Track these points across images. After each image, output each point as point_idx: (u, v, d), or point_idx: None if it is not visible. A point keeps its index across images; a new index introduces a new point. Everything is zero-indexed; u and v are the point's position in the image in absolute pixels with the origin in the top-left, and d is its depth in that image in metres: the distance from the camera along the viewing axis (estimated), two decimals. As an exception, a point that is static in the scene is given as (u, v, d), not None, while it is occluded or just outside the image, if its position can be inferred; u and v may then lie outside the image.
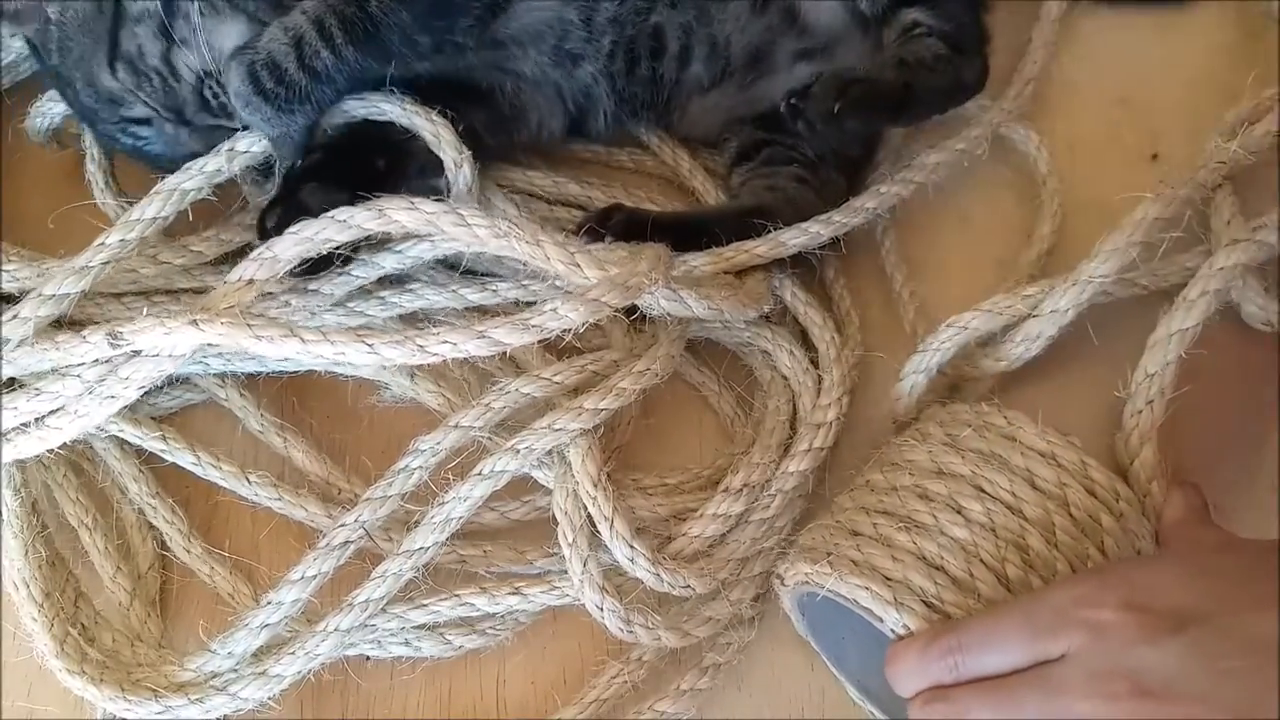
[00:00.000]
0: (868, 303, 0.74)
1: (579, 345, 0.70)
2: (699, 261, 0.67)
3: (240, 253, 0.64)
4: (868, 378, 0.70)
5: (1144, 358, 0.58)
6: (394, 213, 0.61)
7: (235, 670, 0.60)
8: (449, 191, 0.68)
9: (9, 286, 0.67)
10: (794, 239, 0.68)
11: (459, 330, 0.59)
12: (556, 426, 0.60)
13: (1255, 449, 0.68)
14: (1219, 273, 0.59)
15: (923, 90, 0.70)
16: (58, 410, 0.61)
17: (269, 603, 0.60)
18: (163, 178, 0.65)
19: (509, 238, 0.62)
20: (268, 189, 0.68)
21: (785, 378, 0.69)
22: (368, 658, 0.63)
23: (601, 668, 0.63)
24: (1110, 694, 0.46)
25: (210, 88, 0.65)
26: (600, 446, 0.62)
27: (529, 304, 0.70)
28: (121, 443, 0.67)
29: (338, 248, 0.62)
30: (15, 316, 0.61)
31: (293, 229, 0.61)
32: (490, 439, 0.63)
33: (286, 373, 0.68)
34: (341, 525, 0.61)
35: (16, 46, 0.77)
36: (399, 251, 0.66)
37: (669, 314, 0.65)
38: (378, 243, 0.66)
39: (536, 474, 0.62)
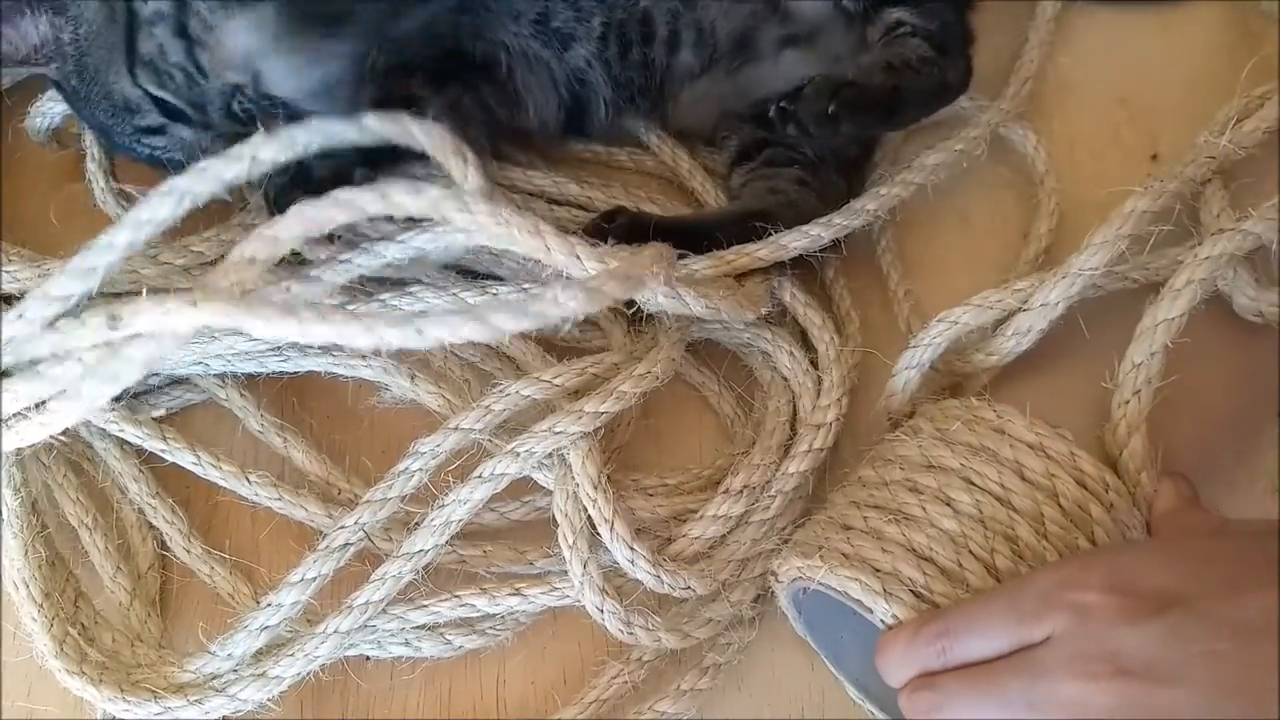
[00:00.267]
0: (867, 303, 0.74)
1: (579, 347, 0.70)
2: (700, 265, 0.67)
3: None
4: (868, 378, 0.70)
5: (1130, 348, 0.58)
6: (397, 195, 0.61)
7: (235, 671, 0.60)
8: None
9: (9, 287, 0.67)
10: (795, 242, 0.68)
11: (458, 315, 0.59)
12: (556, 429, 0.60)
13: (1253, 446, 0.68)
14: (1205, 262, 0.59)
15: (910, 93, 0.70)
16: (59, 395, 0.61)
17: (268, 605, 0.60)
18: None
19: (510, 226, 0.61)
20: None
21: (785, 378, 0.69)
22: (368, 658, 0.63)
23: (601, 668, 0.63)
24: (1091, 674, 0.46)
25: (239, 100, 0.65)
26: (600, 448, 0.62)
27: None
28: (121, 443, 0.67)
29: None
30: (20, 317, 0.60)
31: (295, 208, 0.61)
32: (490, 441, 0.63)
33: (287, 373, 0.68)
34: (341, 527, 0.61)
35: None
36: (401, 241, 0.65)
37: (667, 311, 0.65)
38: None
39: (537, 475, 0.62)
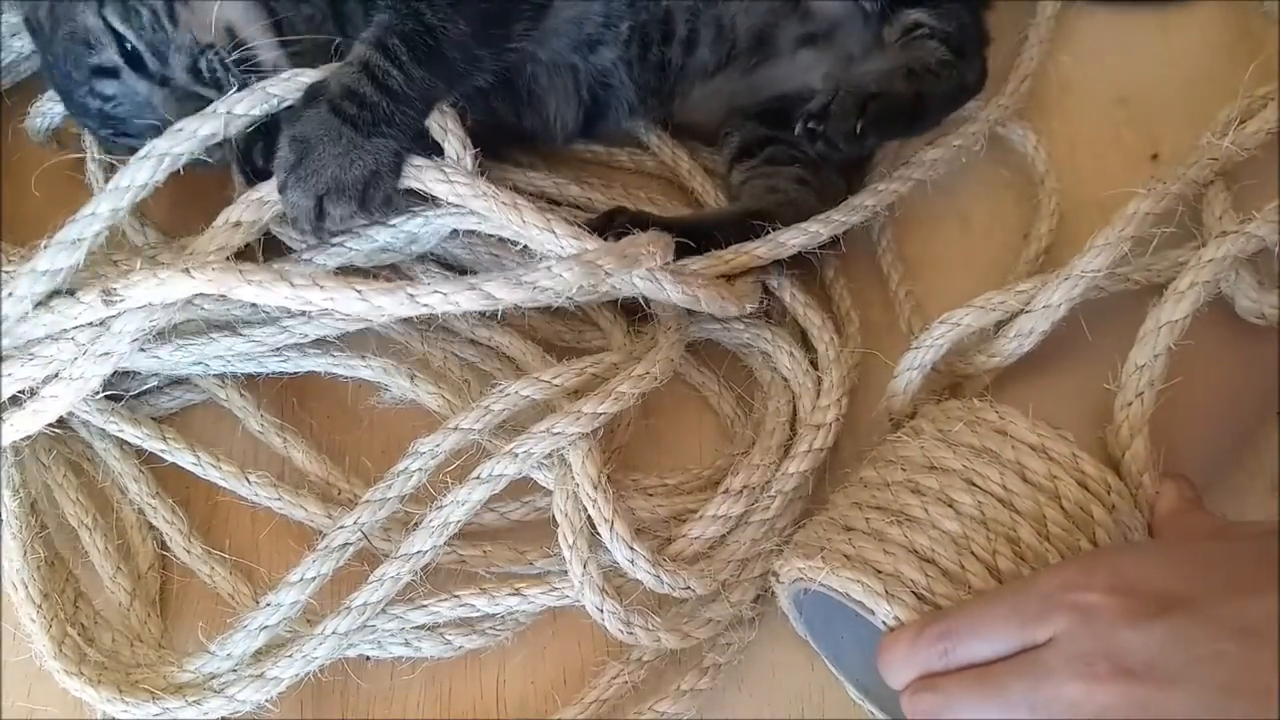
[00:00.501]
0: (867, 303, 0.74)
1: (579, 347, 0.70)
2: (699, 264, 0.67)
3: (240, 255, 0.64)
4: (868, 378, 0.70)
5: (1133, 350, 0.58)
6: None
7: (234, 672, 0.60)
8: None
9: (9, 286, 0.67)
10: (793, 239, 0.68)
11: (450, 281, 0.60)
12: (555, 430, 0.60)
13: (1253, 446, 0.68)
14: (1208, 264, 0.59)
15: (931, 98, 0.70)
16: (53, 378, 0.61)
17: (268, 604, 0.60)
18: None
19: (488, 199, 0.62)
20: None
21: (785, 379, 0.69)
22: (367, 658, 0.63)
23: (601, 668, 0.63)
24: (1094, 675, 0.46)
25: (208, 60, 0.64)
26: (600, 448, 0.62)
27: (529, 309, 0.71)
28: (121, 443, 0.67)
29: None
30: (11, 295, 0.60)
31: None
32: (489, 442, 0.63)
33: (286, 374, 0.68)
34: (341, 527, 0.61)
35: (16, 46, 0.77)
36: (393, 226, 0.65)
37: (643, 296, 0.65)
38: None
39: (536, 475, 0.62)
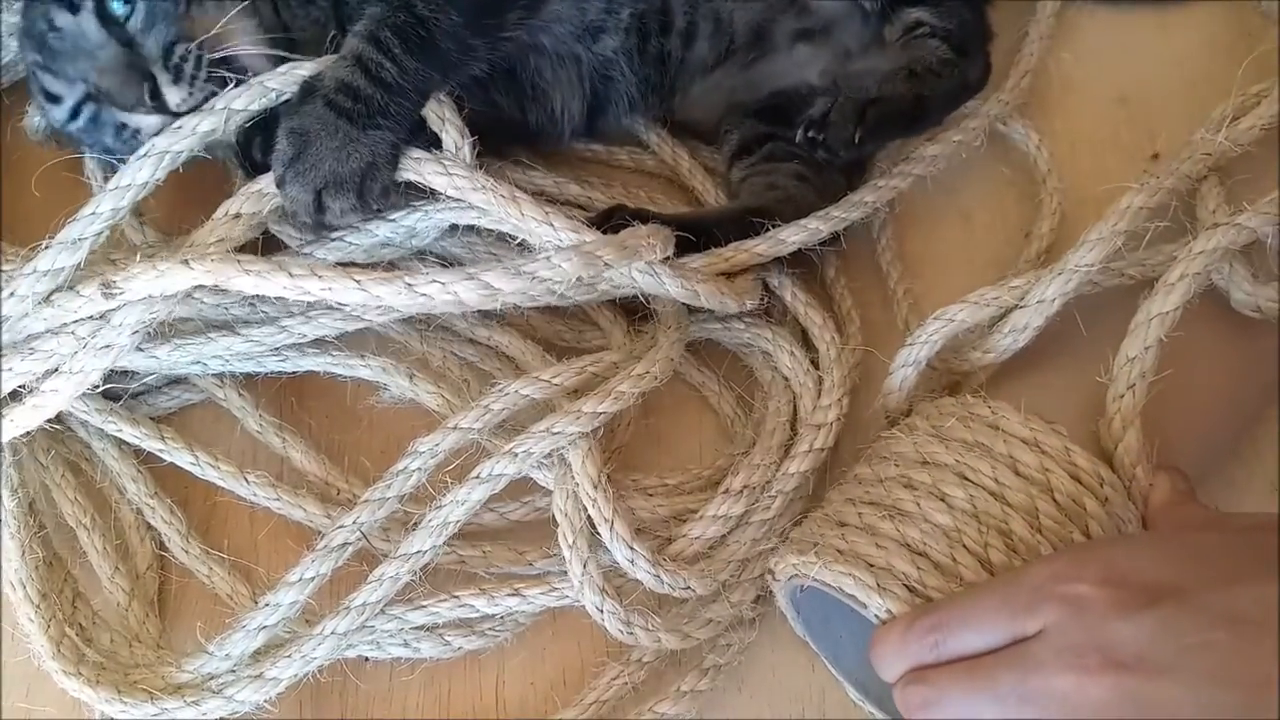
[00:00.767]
0: (868, 303, 0.74)
1: (579, 347, 0.70)
2: (699, 262, 0.67)
3: (241, 251, 0.63)
4: (869, 378, 0.70)
5: (1125, 342, 0.58)
6: None
7: (232, 672, 0.59)
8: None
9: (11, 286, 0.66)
10: (793, 236, 0.68)
11: (449, 271, 0.59)
12: (554, 430, 0.60)
13: (1252, 443, 0.68)
14: (1199, 256, 0.58)
15: (932, 98, 0.71)
16: (53, 372, 0.60)
17: (266, 605, 0.60)
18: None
19: (487, 191, 0.62)
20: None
21: (786, 378, 0.69)
22: (366, 659, 0.63)
23: (601, 669, 0.63)
24: (1083, 667, 0.46)
25: (187, 49, 0.63)
26: (600, 447, 0.62)
27: (529, 309, 0.71)
28: (120, 443, 0.67)
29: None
30: (13, 294, 0.60)
31: None
32: (489, 441, 0.63)
33: (285, 373, 0.68)
34: (340, 527, 0.61)
35: (16, 46, 0.77)
36: (393, 220, 0.65)
37: (643, 294, 0.65)
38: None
39: (536, 475, 0.62)
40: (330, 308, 0.66)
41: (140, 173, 0.62)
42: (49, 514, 0.66)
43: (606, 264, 0.60)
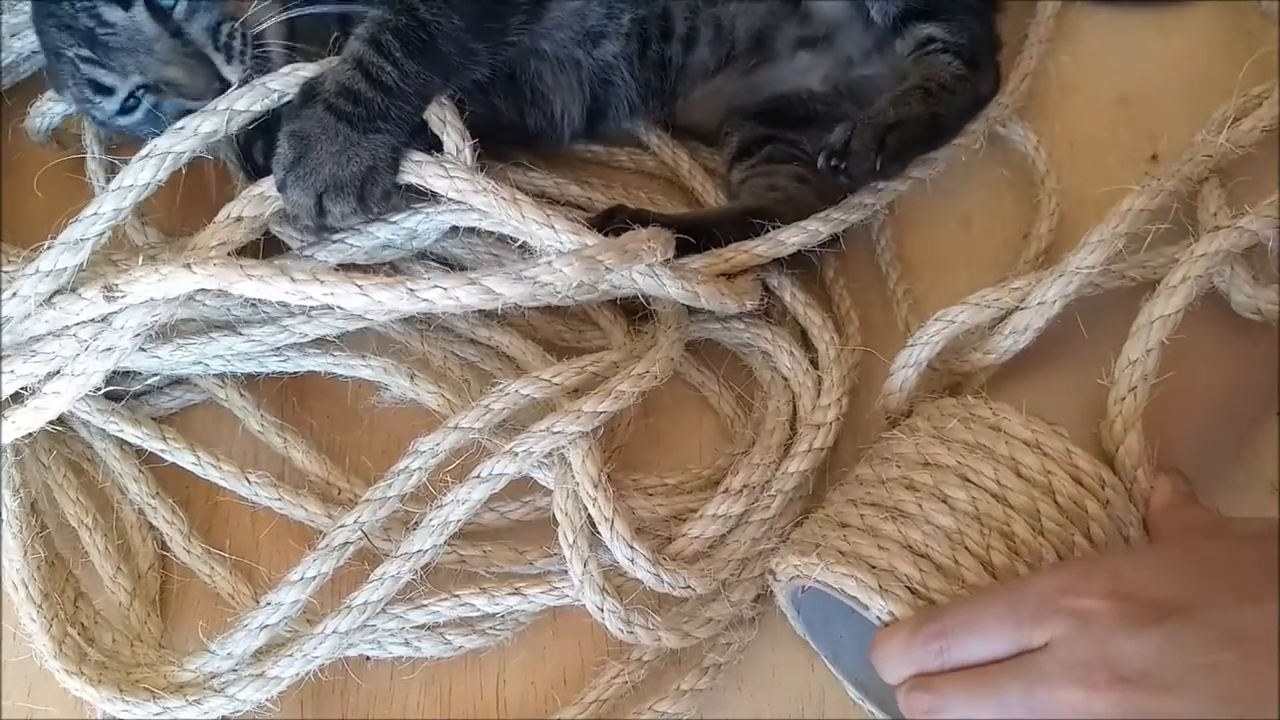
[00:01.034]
0: (868, 303, 0.74)
1: (579, 346, 0.70)
2: (699, 263, 0.67)
3: (242, 254, 0.64)
4: (868, 378, 0.70)
5: (1126, 345, 0.58)
6: None
7: (234, 671, 0.60)
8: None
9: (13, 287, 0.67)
10: (793, 237, 0.68)
11: (450, 276, 0.60)
12: (555, 429, 0.60)
13: (1252, 444, 0.68)
14: (1200, 259, 0.59)
15: (948, 116, 0.71)
16: (55, 374, 0.61)
17: (268, 604, 0.60)
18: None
19: (487, 194, 0.62)
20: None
21: (785, 378, 0.69)
22: (367, 658, 0.63)
23: (601, 668, 0.63)
24: (1090, 682, 0.46)
25: (233, 27, 0.64)
26: (600, 447, 0.62)
27: (529, 309, 0.71)
28: (121, 443, 0.67)
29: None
30: (15, 295, 0.60)
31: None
32: (489, 441, 0.63)
33: (286, 373, 0.68)
34: (341, 526, 0.61)
35: (17, 47, 0.77)
36: (394, 223, 0.66)
37: (643, 294, 0.65)
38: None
39: (536, 475, 0.62)
40: (331, 308, 0.66)
41: (142, 174, 0.62)
42: (51, 514, 0.66)
43: (607, 268, 0.60)
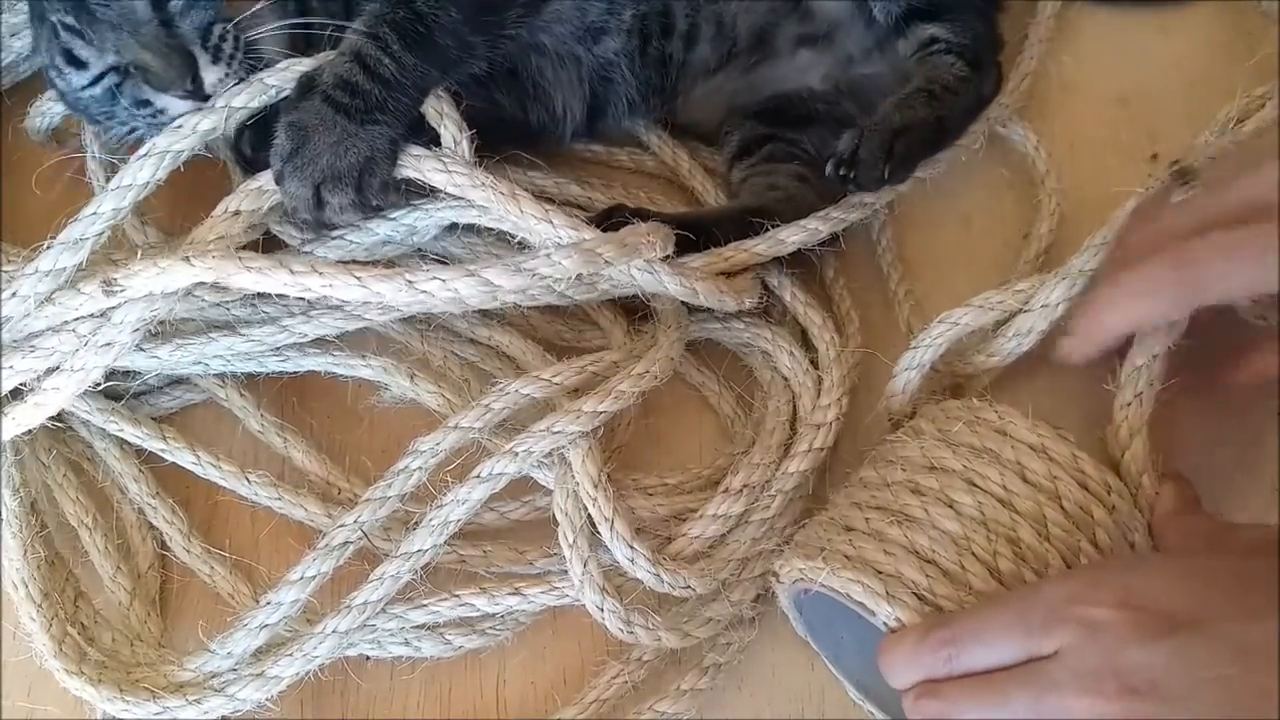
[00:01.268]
0: (868, 303, 0.74)
1: (579, 346, 0.70)
2: (699, 261, 0.67)
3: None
4: (868, 378, 0.70)
5: (1131, 351, 0.58)
6: None
7: (234, 671, 0.60)
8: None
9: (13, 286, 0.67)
10: (793, 236, 0.68)
11: (449, 268, 0.60)
12: (555, 429, 0.60)
13: (1255, 446, 0.68)
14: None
15: (952, 118, 0.71)
16: (54, 370, 0.60)
17: (268, 603, 0.60)
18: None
19: (486, 188, 0.62)
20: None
21: (785, 378, 0.69)
22: (367, 658, 0.63)
23: (601, 668, 0.63)
24: (1099, 692, 0.46)
25: (225, 29, 0.63)
26: (600, 447, 0.62)
27: (529, 308, 0.71)
28: (121, 443, 0.67)
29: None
30: (14, 294, 0.60)
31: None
32: (489, 440, 0.63)
33: (286, 373, 0.68)
34: (341, 526, 0.61)
35: (16, 47, 0.77)
36: (393, 219, 0.65)
37: (643, 293, 0.65)
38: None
39: (536, 474, 0.62)
40: (331, 307, 0.66)
41: (141, 172, 0.62)
42: (51, 514, 0.66)
43: (607, 261, 0.60)
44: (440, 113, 0.64)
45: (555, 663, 0.65)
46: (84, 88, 0.66)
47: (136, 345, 0.61)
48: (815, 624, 0.62)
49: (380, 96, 0.62)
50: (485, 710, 0.64)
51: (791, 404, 0.68)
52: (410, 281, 0.59)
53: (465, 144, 0.64)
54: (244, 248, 0.63)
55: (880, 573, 0.54)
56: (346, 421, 0.70)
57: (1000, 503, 0.55)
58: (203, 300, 0.63)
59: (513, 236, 0.64)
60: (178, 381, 0.70)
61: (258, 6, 0.65)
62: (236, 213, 0.63)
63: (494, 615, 0.63)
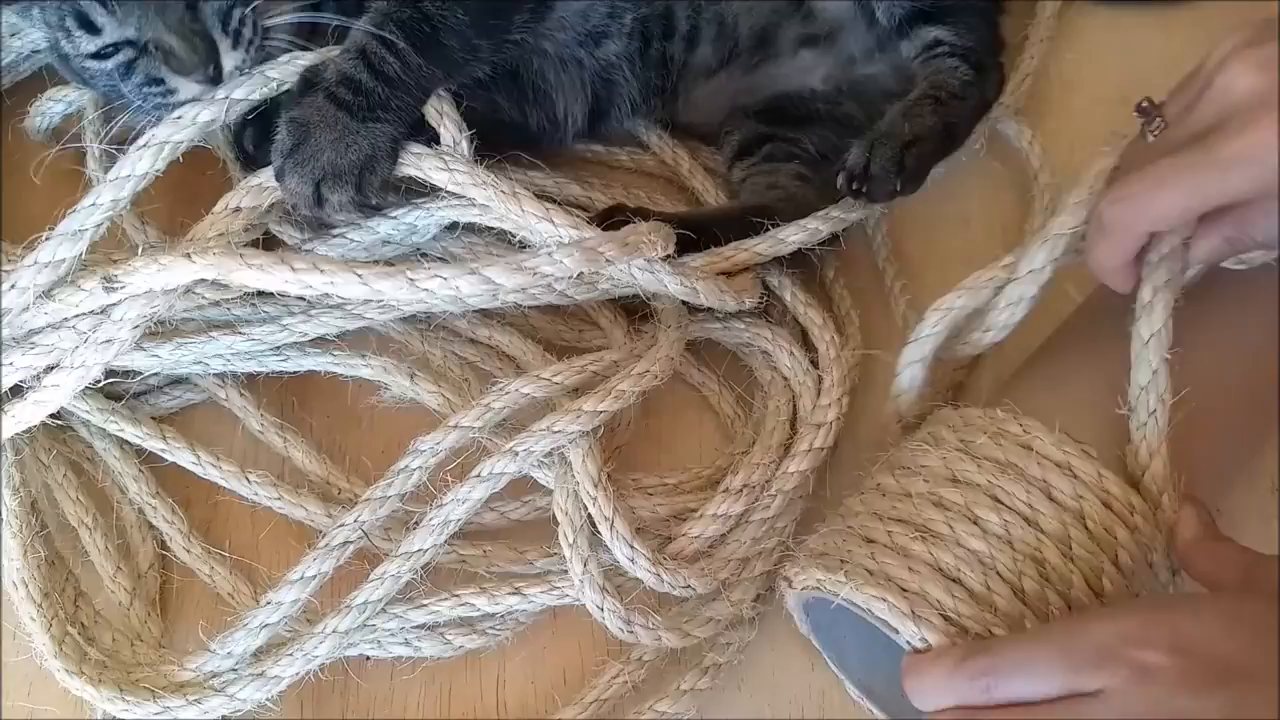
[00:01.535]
0: (868, 303, 0.74)
1: (579, 346, 0.70)
2: (700, 261, 0.67)
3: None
4: (868, 378, 0.70)
5: (1131, 372, 0.57)
6: None
7: (234, 671, 0.60)
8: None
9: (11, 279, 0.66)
10: (793, 235, 0.68)
11: (451, 266, 0.60)
12: (555, 429, 0.60)
13: (1255, 449, 0.67)
14: (1161, 264, 0.56)
15: (959, 123, 0.71)
16: (54, 367, 0.60)
17: (268, 603, 0.60)
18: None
19: (487, 187, 0.62)
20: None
21: (785, 378, 0.69)
22: (367, 658, 0.63)
23: (601, 668, 0.63)
24: None
25: (245, 13, 0.63)
26: (600, 446, 0.62)
27: (530, 308, 0.71)
28: (121, 443, 0.67)
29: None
30: (14, 286, 0.60)
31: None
32: (490, 440, 0.63)
33: (286, 373, 0.68)
34: (341, 525, 0.61)
35: (16, 46, 0.77)
36: (393, 217, 0.65)
37: (643, 293, 0.65)
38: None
39: (537, 474, 0.62)
40: (331, 306, 0.66)
41: (140, 163, 0.62)
42: (51, 514, 0.66)
43: (608, 259, 0.60)
44: (440, 112, 0.64)
45: (555, 663, 0.65)
46: (88, 56, 0.64)
47: (137, 344, 0.61)
48: (819, 624, 0.62)
49: (383, 95, 0.62)
50: (485, 710, 0.64)
51: (791, 404, 0.68)
52: (412, 279, 0.59)
53: (465, 144, 0.64)
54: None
55: (905, 590, 0.53)
56: (346, 421, 0.70)
57: (1026, 521, 0.54)
58: (203, 298, 0.63)
59: (513, 236, 0.63)
60: (178, 381, 0.70)
61: None
62: (237, 209, 0.63)
63: (494, 615, 0.62)
